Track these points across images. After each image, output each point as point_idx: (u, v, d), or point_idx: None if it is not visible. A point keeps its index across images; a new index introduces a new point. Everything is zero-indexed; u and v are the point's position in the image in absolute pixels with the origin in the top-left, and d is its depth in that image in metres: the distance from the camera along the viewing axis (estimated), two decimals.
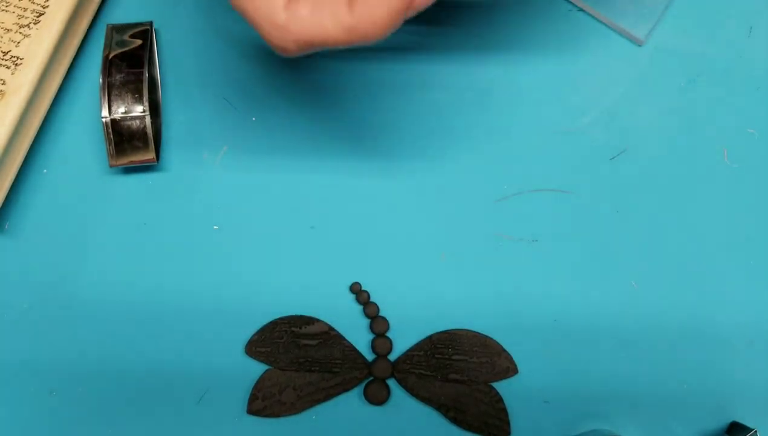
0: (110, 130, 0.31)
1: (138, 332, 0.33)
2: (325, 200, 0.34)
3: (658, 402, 0.33)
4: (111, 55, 0.32)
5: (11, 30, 0.32)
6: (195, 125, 0.35)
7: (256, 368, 0.32)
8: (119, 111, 0.31)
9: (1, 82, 0.31)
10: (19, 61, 0.32)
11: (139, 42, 0.33)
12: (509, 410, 0.32)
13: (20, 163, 0.33)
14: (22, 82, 0.31)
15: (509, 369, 0.32)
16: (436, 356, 0.32)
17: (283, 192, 0.34)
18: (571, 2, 0.37)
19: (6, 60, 0.32)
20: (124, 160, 0.32)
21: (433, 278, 0.33)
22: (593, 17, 0.37)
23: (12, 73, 0.31)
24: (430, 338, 0.33)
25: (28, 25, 0.32)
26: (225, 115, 0.35)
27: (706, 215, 0.34)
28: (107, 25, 0.34)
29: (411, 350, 0.32)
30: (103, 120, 0.31)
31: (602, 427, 0.32)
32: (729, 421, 0.32)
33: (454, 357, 0.32)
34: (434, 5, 0.34)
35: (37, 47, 0.32)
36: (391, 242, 0.34)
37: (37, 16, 0.33)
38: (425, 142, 0.35)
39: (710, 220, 0.34)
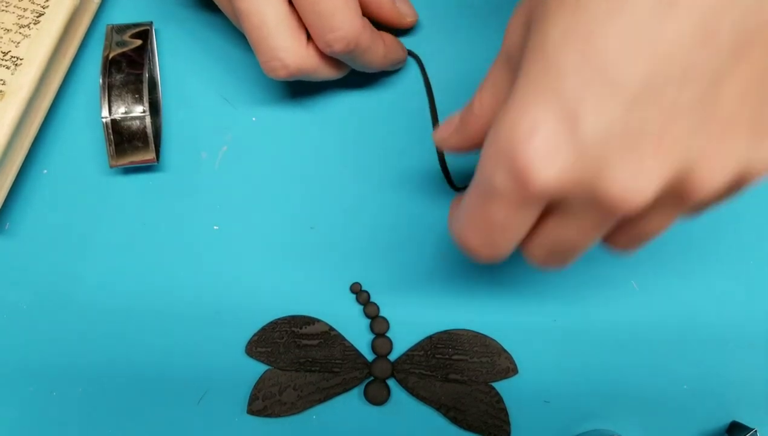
0: (110, 131, 0.31)
1: (138, 332, 0.33)
2: (325, 200, 0.34)
3: (658, 402, 0.33)
4: (111, 55, 0.32)
5: (11, 30, 0.32)
6: (195, 125, 0.35)
7: (256, 368, 0.32)
8: (119, 111, 0.31)
9: (1, 82, 0.31)
10: (19, 62, 0.32)
11: (139, 42, 0.33)
12: (509, 410, 0.32)
13: (20, 163, 0.33)
14: (22, 82, 0.31)
15: (509, 369, 0.32)
16: (436, 356, 0.32)
17: (283, 192, 0.34)
18: None
19: (6, 60, 0.32)
20: (124, 161, 0.32)
21: (433, 278, 0.33)
22: None
23: (12, 73, 0.31)
24: (430, 338, 0.33)
25: (28, 26, 0.32)
26: (225, 115, 0.35)
27: (706, 215, 0.34)
28: (107, 25, 0.34)
29: (411, 350, 0.32)
30: (103, 120, 0.31)
31: (602, 427, 0.32)
32: (729, 421, 0.32)
33: (454, 357, 0.32)
34: (435, 7, 0.34)
35: (37, 47, 0.32)
36: (391, 242, 0.34)
37: (37, 17, 0.33)
38: (425, 141, 0.35)
39: (710, 219, 0.34)
